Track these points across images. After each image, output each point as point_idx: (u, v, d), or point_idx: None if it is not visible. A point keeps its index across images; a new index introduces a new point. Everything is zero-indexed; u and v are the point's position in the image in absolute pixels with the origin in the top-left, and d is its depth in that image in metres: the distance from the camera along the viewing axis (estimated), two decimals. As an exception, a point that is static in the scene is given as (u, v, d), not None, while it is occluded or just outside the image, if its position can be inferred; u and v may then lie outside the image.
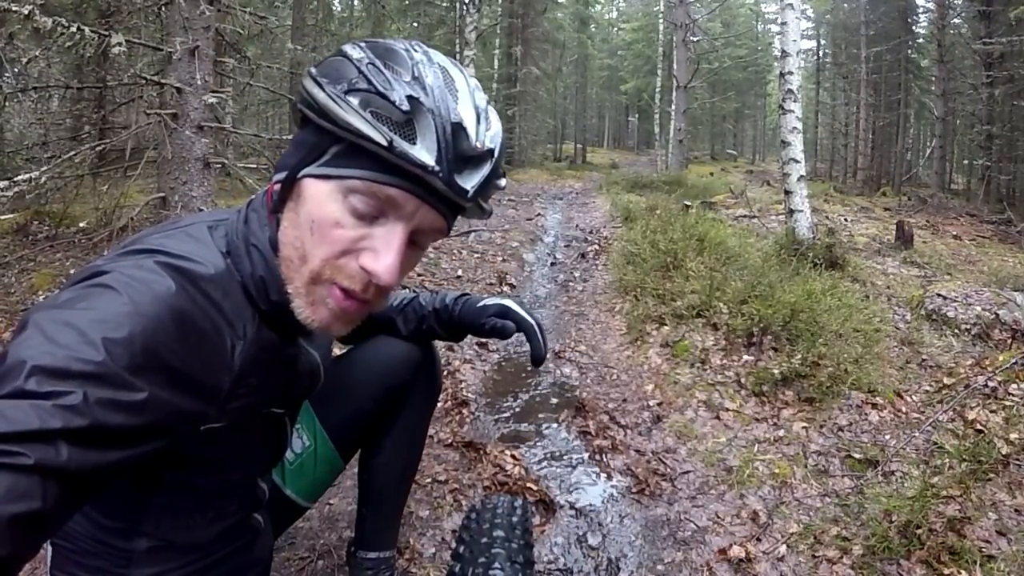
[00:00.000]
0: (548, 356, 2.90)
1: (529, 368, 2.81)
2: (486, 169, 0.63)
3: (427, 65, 0.61)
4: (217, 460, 0.73)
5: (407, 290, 1.21)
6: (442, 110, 0.59)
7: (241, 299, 0.65)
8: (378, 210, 0.61)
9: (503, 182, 0.67)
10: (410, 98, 0.58)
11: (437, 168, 0.58)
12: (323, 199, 0.61)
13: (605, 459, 1.99)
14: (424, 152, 0.58)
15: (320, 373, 0.86)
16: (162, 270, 0.58)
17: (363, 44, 0.62)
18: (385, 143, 0.56)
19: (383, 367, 1.13)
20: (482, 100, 0.64)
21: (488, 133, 0.63)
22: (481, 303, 1.10)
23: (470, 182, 0.61)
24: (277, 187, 0.66)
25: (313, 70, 0.62)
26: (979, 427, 2.05)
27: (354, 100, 0.58)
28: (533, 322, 1.05)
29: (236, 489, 0.82)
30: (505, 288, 4.11)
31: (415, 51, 0.62)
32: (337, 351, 1.16)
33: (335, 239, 0.61)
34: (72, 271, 3.50)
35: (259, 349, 0.67)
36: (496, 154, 0.64)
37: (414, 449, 1.23)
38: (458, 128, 0.59)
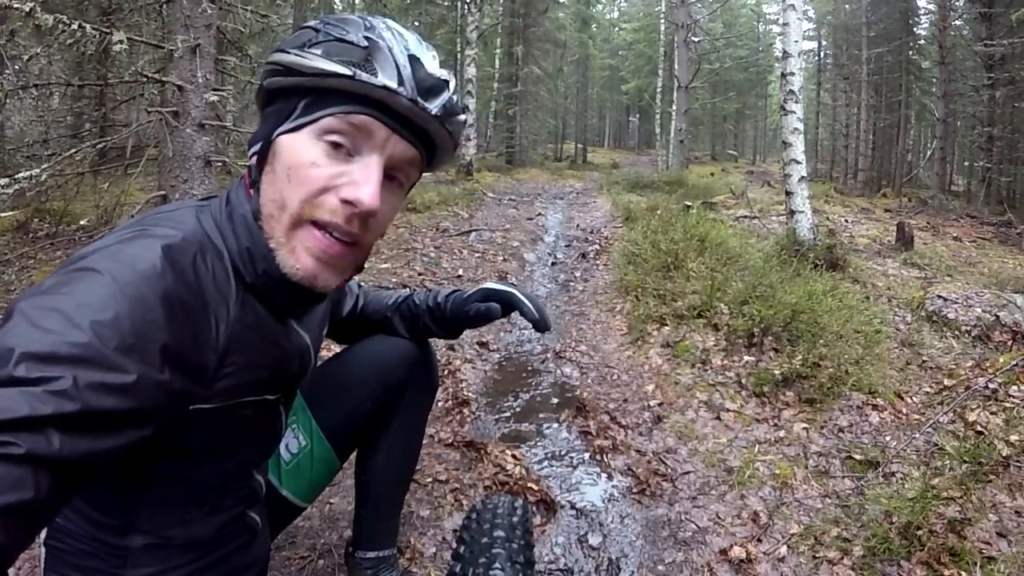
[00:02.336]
0: (549, 356, 2.91)
1: (530, 368, 2.81)
2: (445, 96, 0.69)
3: (377, 20, 0.68)
4: (210, 448, 0.73)
5: (405, 289, 1.21)
6: (397, 46, 0.65)
7: (224, 277, 0.66)
8: (351, 145, 0.65)
9: (463, 117, 0.73)
10: (366, 37, 0.65)
11: (399, 88, 0.64)
12: (297, 146, 0.65)
13: (606, 459, 1.99)
14: (385, 79, 0.64)
15: (311, 356, 0.85)
16: (148, 250, 0.58)
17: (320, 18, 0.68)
18: (349, 73, 0.63)
19: (379, 366, 1.12)
20: (431, 50, 0.70)
21: (442, 69, 0.70)
22: (466, 294, 1.09)
23: (433, 104, 0.67)
24: (254, 160, 0.69)
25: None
26: (979, 429, 2.05)
27: (316, 50, 0.64)
28: (516, 292, 1.05)
29: (231, 481, 0.81)
30: (506, 288, 4.10)
31: (368, 16, 0.68)
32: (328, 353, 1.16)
33: (312, 178, 0.64)
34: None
35: (243, 327, 0.67)
36: (451, 86, 0.70)
37: (412, 448, 1.23)
38: (414, 59, 0.66)
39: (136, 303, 0.53)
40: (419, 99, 0.65)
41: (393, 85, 0.64)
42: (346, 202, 0.64)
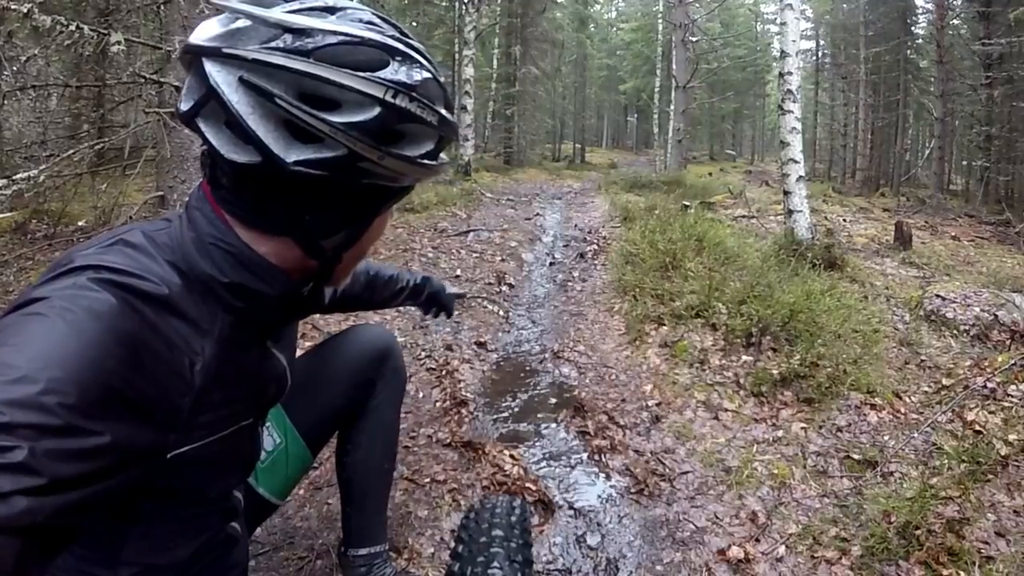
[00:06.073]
0: (547, 356, 2.91)
1: (528, 368, 2.81)
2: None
3: (437, 83, 0.64)
4: (191, 486, 0.71)
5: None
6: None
7: (195, 310, 0.60)
8: None
9: None
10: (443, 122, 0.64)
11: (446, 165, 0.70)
12: (384, 221, 0.72)
13: (604, 459, 1.99)
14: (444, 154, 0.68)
15: (287, 377, 0.83)
16: (102, 288, 0.52)
17: (410, 86, 0.59)
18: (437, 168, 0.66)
19: (349, 363, 1.18)
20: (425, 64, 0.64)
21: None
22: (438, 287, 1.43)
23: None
24: (331, 244, 0.67)
25: (377, 143, 0.58)
26: (978, 428, 2.05)
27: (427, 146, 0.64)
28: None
29: (214, 503, 0.80)
30: (504, 288, 4.10)
31: (435, 77, 0.63)
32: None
33: None
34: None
35: (220, 363, 0.62)
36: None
37: (389, 441, 1.27)
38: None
39: (96, 353, 0.48)
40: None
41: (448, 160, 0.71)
42: None
